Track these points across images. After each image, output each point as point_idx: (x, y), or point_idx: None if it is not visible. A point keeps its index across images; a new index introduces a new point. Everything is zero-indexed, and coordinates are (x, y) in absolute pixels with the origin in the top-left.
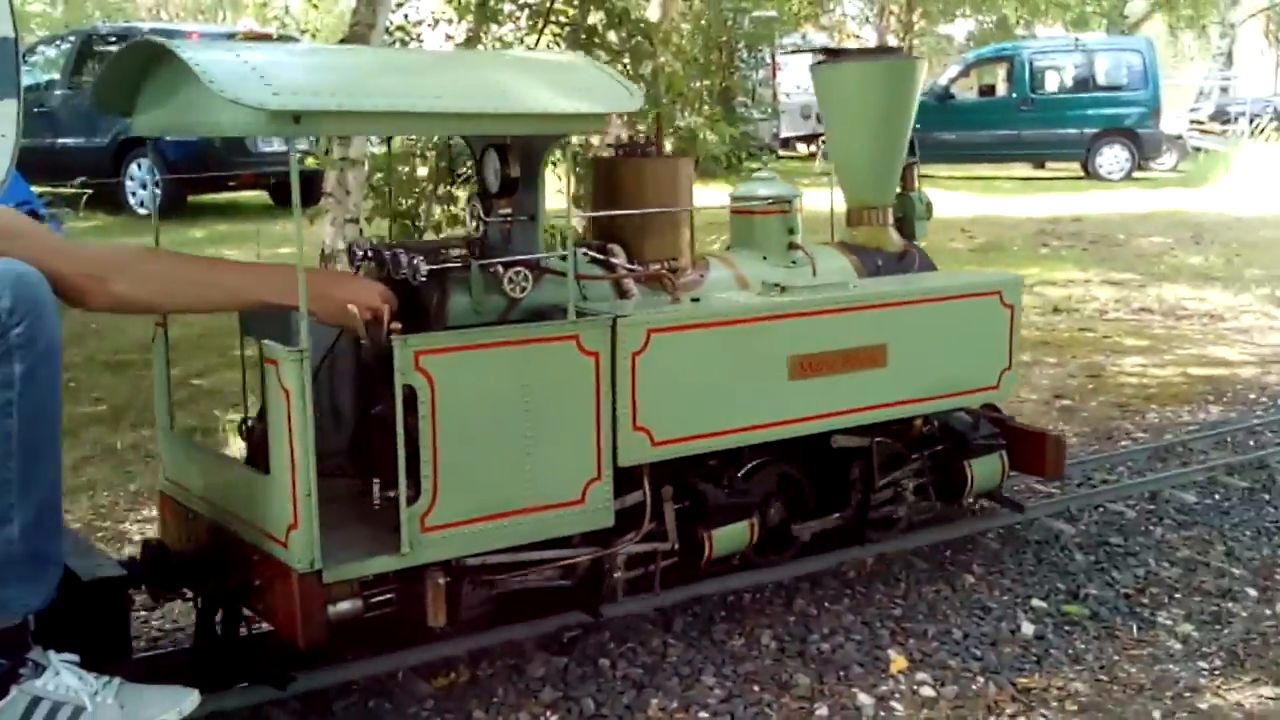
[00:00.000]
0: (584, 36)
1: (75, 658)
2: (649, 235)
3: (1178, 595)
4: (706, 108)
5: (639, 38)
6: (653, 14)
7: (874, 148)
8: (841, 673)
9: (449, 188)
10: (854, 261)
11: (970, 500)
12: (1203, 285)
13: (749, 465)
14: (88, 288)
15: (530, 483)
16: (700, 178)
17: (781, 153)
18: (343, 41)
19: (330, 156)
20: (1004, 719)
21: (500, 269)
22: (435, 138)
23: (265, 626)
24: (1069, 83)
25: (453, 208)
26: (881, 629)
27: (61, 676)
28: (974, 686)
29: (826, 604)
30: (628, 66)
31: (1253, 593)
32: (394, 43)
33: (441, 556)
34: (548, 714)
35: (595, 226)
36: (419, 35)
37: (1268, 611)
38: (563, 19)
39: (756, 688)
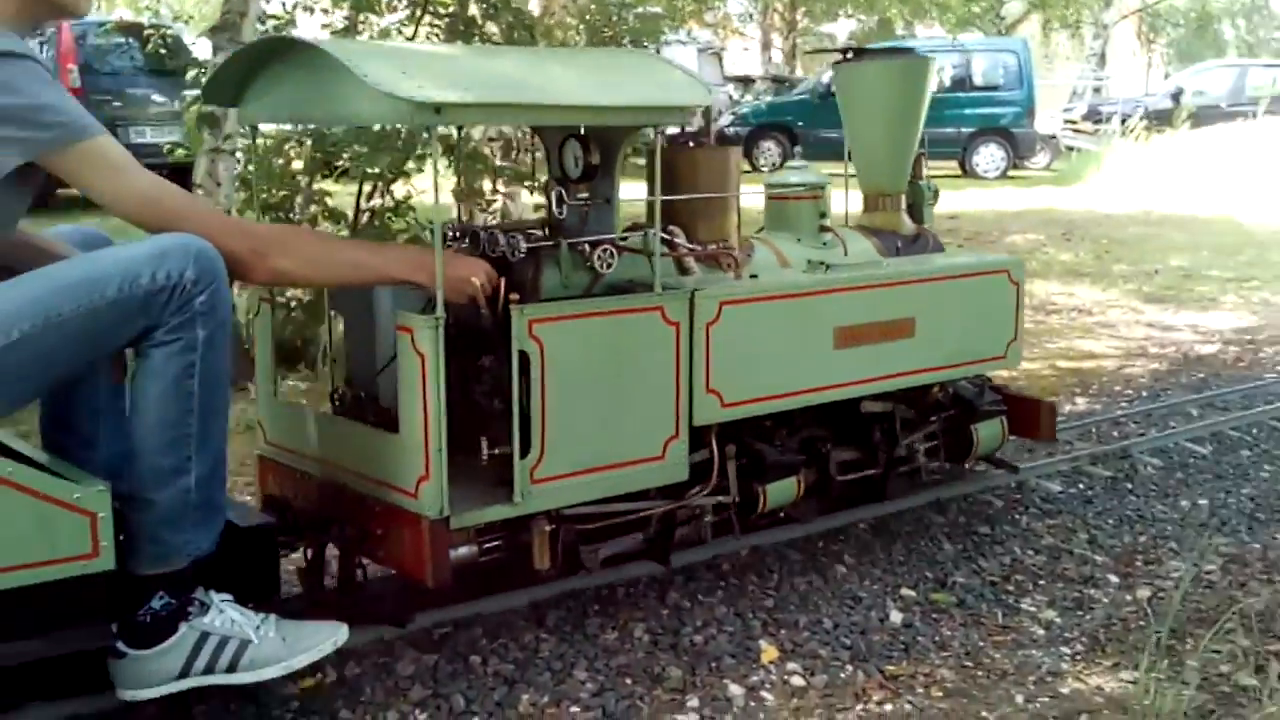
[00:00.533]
0: (463, 28)
1: (230, 597)
2: (702, 219)
3: (1042, 582)
4: None
5: (519, 30)
6: (534, 7)
7: (889, 139)
8: (713, 664)
9: (323, 181)
10: (875, 243)
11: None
12: (1072, 281)
13: (798, 427)
14: (253, 263)
15: (619, 440)
16: None
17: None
18: (214, 30)
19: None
20: (871, 706)
21: (588, 247)
22: (310, 128)
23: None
24: (947, 83)
25: (328, 200)
26: (754, 620)
27: (226, 613)
28: (843, 675)
29: (700, 596)
30: None
31: (1114, 579)
32: (265, 31)
33: (547, 506)
34: (416, 712)
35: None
36: (291, 20)
37: (1128, 597)
38: (441, 9)
39: (629, 681)
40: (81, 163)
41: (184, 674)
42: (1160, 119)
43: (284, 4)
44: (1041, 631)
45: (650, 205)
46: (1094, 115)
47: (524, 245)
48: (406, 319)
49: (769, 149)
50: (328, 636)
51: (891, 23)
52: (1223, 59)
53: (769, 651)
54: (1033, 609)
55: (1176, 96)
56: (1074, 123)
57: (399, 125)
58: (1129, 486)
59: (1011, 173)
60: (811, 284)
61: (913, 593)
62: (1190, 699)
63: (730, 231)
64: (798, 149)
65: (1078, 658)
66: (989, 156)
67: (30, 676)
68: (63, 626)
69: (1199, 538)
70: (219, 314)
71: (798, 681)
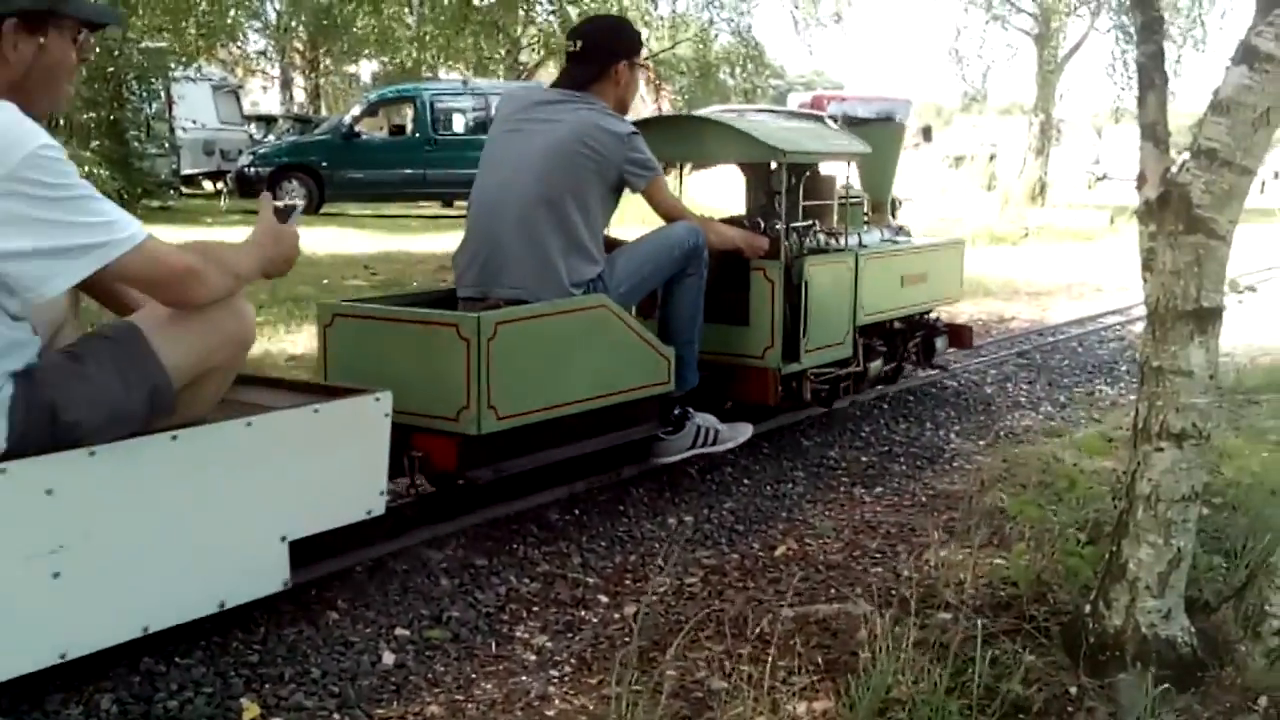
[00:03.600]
0: None
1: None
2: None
3: (536, 609)
4: (95, 142)
5: None
6: None
7: (883, 171)
8: None
9: None
10: (884, 232)
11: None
12: None
13: (873, 334)
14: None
15: (831, 330)
16: None
17: (185, 190)
18: None
19: None
20: None
21: (803, 227)
22: None
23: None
24: (471, 124)
25: None
26: (235, 678)
27: (703, 416)
28: None
29: (176, 659)
30: None
31: (604, 599)
32: None
33: (809, 365)
34: None
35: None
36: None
37: (616, 615)
38: None
39: None
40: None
41: (690, 447)
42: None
43: None
44: (533, 657)
45: (830, 208)
46: None
47: (777, 226)
48: (758, 264)
49: (293, 189)
50: (746, 430)
51: (416, 65)
52: (726, 104)
53: (251, 709)
54: (526, 635)
55: None
56: None
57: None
58: (620, 509)
59: None
60: (905, 247)
61: (407, 632)
62: (664, 707)
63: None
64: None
65: (565, 679)
66: None
67: (595, 460)
68: (634, 424)
69: (684, 552)
70: (705, 265)
71: None
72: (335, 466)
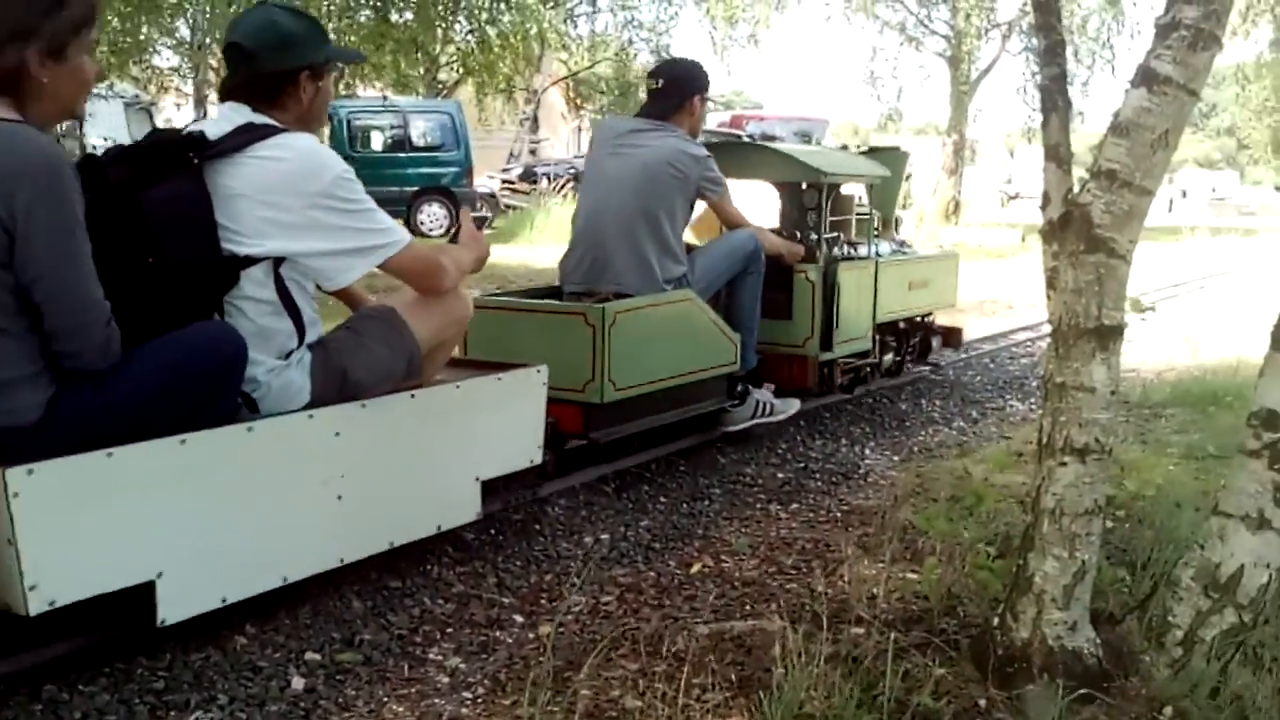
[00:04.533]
0: None
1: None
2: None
3: (449, 630)
4: None
5: None
6: None
7: (892, 190)
8: None
9: None
10: (895, 243)
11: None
12: None
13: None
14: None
15: (857, 326)
16: None
17: None
18: None
19: None
20: None
21: (831, 238)
22: None
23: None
24: (389, 142)
25: None
26: (140, 705)
27: (760, 391)
28: None
29: (80, 686)
30: None
31: (519, 619)
32: None
33: (839, 355)
34: None
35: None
36: None
37: (531, 635)
38: None
39: None
40: None
41: (752, 417)
42: None
43: None
44: (446, 679)
45: (850, 222)
46: (529, 176)
47: (814, 237)
48: (800, 268)
49: None
50: (795, 404)
51: (335, 82)
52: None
53: None
54: (439, 657)
55: None
56: (511, 183)
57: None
58: (536, 528)
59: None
60: (909, 257)
61: (318, 656)
62: None
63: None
64: None
65: (479, 701)
66: (433, 215)
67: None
68: (708, 398)
69: (600, 570)
70: (762, 266)
71: None
72: (511, 423)
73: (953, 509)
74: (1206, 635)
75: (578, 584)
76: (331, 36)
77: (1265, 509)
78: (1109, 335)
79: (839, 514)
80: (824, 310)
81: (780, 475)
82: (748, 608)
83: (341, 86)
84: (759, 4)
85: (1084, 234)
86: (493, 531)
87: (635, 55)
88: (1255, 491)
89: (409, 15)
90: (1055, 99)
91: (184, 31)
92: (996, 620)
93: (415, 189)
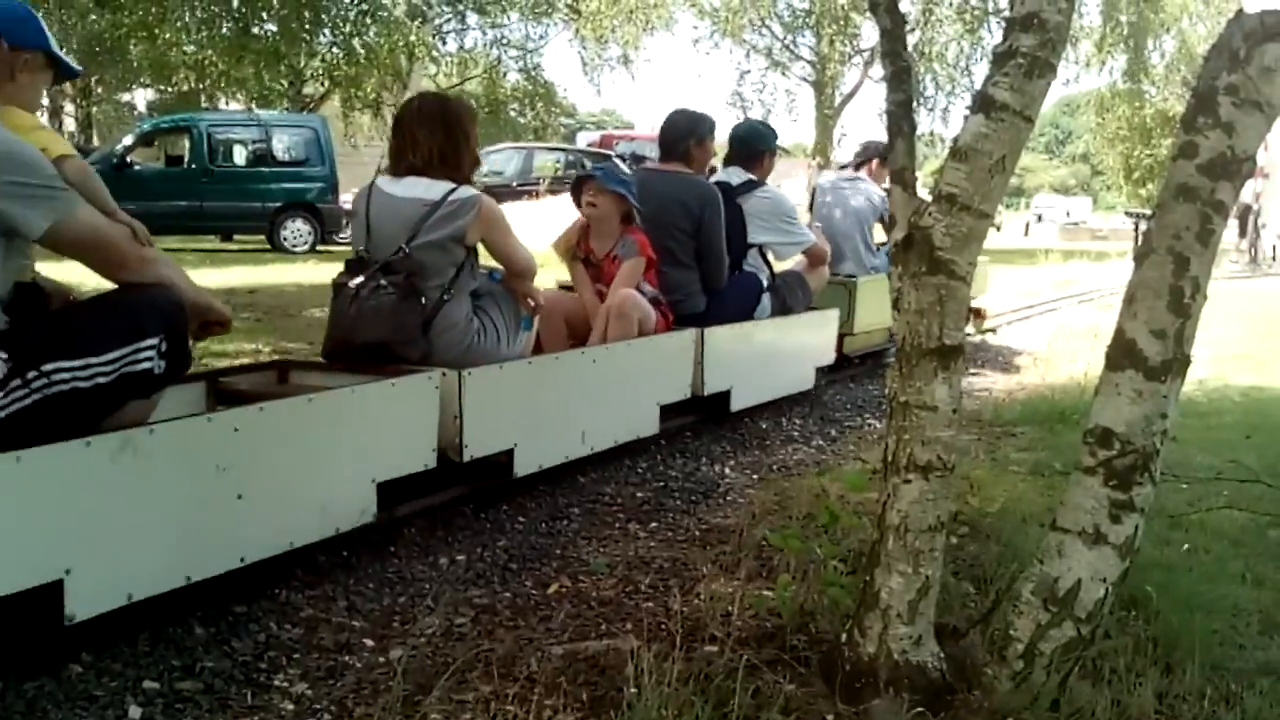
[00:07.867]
0: None
1: None
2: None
3: (296, 655)
4: None
5: None
6: None
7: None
8: None
9: None
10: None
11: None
12: None
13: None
14: None
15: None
16: None
17: None
18: None
19: None
20: None
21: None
22: None
23: None
24: (251, 156)
25: None
26: None
27: None
28: None
29: None
30: None
31: (370, 643)
32: None
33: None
34: None
35: None
36: None
37: (382, 659)
38: None
39: None
40: None
41: None
42: None
43: None
44: (291, 706)
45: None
46: None
47: None
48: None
49: None
50: None
51: (193, 95)
52: (514, 142)
53: None
54: (285, 684)
55: None
56: None
57: None
58: (391, 549)
59: (321, 247)
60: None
61: (156, 684)
62: None
63: None
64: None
65: None
66: (297, 231)
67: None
68: None
69: (455, 592)
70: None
71: None
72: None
73: (808, 526)
74: (1046, 648)
75: (432, 606)
76: (189, 48)
77: (1101, 524)
78: (950, 355)
79: (698, 533)
80: None
81: (640, 494)
82: (603, 628)
83: (203, 99)
84: (628, 25)
85: (926, 256)
86: (345, 553)
87: (505, 74)
88: (1091, 507)
89: (271, 27)
90: (900, 124)
91: None
92: (844, 636)
93: (278, 204)
